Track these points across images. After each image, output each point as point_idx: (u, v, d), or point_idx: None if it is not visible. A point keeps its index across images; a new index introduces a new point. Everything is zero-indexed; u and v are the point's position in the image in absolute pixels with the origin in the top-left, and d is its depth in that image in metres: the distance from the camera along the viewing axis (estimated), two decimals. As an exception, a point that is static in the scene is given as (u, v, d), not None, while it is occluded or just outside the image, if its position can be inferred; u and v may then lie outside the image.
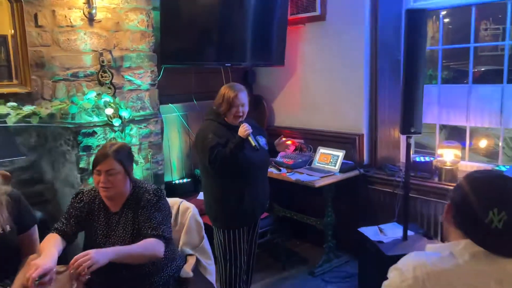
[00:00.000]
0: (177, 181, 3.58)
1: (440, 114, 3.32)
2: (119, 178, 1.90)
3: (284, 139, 2.71)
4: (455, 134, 4.11)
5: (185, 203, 2.34)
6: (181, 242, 2.27)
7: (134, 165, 2.90)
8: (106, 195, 1.93)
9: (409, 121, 2.59)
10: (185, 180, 3.59)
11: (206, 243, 2.31)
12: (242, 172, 2.50)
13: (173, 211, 2.33)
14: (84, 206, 1.98)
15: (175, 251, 2.13)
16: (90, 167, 2.03)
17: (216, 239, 2.65)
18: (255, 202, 2.59)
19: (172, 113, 3.61)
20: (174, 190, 3.54)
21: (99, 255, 1.63)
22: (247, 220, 2.63)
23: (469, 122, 3.18)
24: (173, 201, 2.36)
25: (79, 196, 2.01)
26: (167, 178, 3.59)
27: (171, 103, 3.59)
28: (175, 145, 3.65)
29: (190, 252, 2.26)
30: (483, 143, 3.62)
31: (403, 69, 2.53)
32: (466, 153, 3.23)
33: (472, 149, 3.24)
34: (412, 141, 2.68)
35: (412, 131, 2.60)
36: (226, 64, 3.61)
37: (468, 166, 3.20)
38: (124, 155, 1.95)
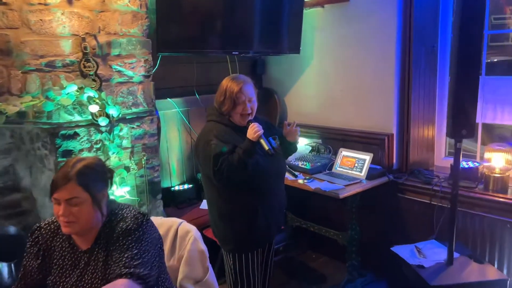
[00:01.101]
0: (176, 188, 3.12)
1: (485, 111, 2.83)
2: (84, 210, 1.43)
3: (292, 124, 2.19)
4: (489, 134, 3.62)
5: (185, 225, 1.88)
6: (180, 275, 1.81)
7: (125, 173, 2.47)
8: (69, 232, 1.45)
9: (460, 122, 2.10)
10: (186, 186, 3.12)
11: (211, 275, 1.85)
12: (254, 183, 2.03)
13: (170, 235, 1.88)
14: (40, 251, 1.51)
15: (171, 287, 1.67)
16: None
17: (226, 263, 2.20)
18: (271, 219, 2.13)
19: (171, 109, 3.13)
20: (173, 197, 3.08)
21: None
22: (261, 241, 2.18)
23: (521, 121, 2.70)
24: (169, 222, 1.91)
25: (35, 235, 1.54)
26: (165, 184, 3.13)
27: (170, 98, 3.11)
28: (174, 146, 3.17)
29: (192, 287, 1.80)
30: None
31: (455, 56, 2.04)
32: (516, 157, 2.74)
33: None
34: (461, 145, 2.20)
35: (464, 134, 2.12)
36: (233, 53, 3.12)
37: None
38: (92, 177, 1.46)
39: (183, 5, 2.76)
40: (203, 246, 1.83)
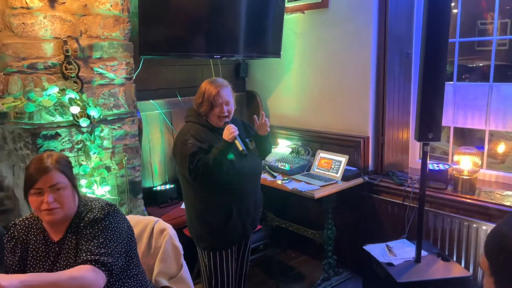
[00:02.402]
0: (158, 188, 3.18)
1: (456, 116, 2.94)
2: (67, 194, 1.53)
3: (261, 117, 2.22)
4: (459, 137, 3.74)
5: (160, 223, 1.95)
6: (155, 271, 1.88)
7: (105, 172, 2.53)
8: (53, 219, 1.51)
9: (427, 125, 2.20)
10: (167, 186, 3.19)
11: (185, 272, 1.92)
12: (229, 183, 2.11)
13: (146, 233, 1.95)
14: (17, 245, 1.57)
15: (146, 282, 1.74)
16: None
17: (201, 260, 2.27)
18: (246, 218, 2.21)
19: (154, 111, 3.19)
20: (155, 197, 3.14)
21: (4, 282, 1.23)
22: (236, 239, 2.25)
23: (489, 125, 2.81)
24: (146, 221, 1.97)
25: (11, 231, 1.61)
26: (147, 184, 3.19)
27: (152, 99, 3.18)
28: (156, 147, 3.24)
29: (166, 283, 1.87)
30: (501, 148, 3.26)
31: (423, 63, 2.14)
32: (485, 160, 2.86)
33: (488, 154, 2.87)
34: (428, 148, 2.30)
35: (430, 137, 2.21)
36: (216, 56, 3.19)
37: (487, 175, 2.84)
38: (67, 166, 1.58)
39: (166, 9, 2.82)
40: (177, 243, 1.91)
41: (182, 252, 1.92)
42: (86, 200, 1.64)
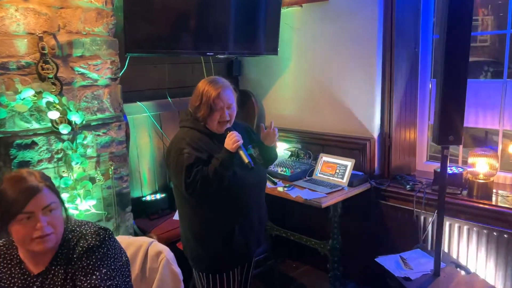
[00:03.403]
0: (148, 197, 2.92)
1: (467, 115, 2.76)
2: (59, 216, 1.33)
3: (269, 126, 2.00)
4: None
5: (155, 246, 1.70)
6: (150, 302, 1.63)
7: (90, 185, 2.27)
8: (46, 247, 1.30)
9: (447, 127, 2.01)
10: (158, 196, 2.93)
11: (185, 301, 1.68)
12: (231, 198, 1.87)
13: (140, 257, 1.70)
14: None
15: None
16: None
17: (198, 284, 2.02)
18: (250, 235, 1.97)
19: (142, 113, 2.93)
20: (144, 208, 2.88)
21: None
22: (239, 260, 2.01)
23: (503, 125, 2.65)
24: (139, 242, 1.73)
25: None
26: (136, 194, 2.92)
27: (140, 101, 2.91)
28: (145, 153, 2.97)
29: (164, 315, 1.63)
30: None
31: (443, 60, 1.93)
32: (499, 162, 2.69)
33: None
34: (448, 152, 2.10)
35: (451, 140, 2.02)
36: (207, 53, 2.94)
37: (501, 177, 2.67)
38: (52, 182, 1.37)
39: (153, 2, 2.56)
40: (176, 269, 1.66)
41: (181, 278, 1.67)
42: (72, 225, 1.41)
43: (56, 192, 1.35)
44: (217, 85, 1.84)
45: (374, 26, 2.73)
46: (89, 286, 1.29)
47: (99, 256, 1.33)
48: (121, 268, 1.39)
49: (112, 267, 1.35)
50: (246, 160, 1.75)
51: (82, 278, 1.30)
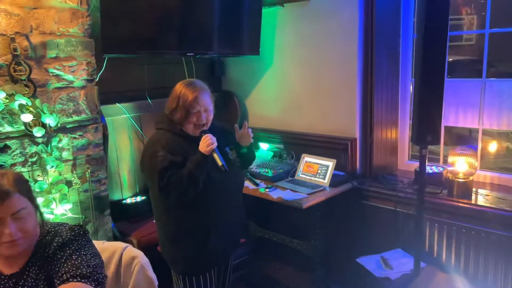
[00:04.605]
0: (128, 200, 2.88)
1: (447, 114, 2.78)
2: (31, 221, 1.30)
3: (243, 126, 2.00)
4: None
5: (130, 251, 1.66)
6: (125, 308, 1.60)
7: (66, 188, 2.22)
8: (15, 253, 1.29)
9: (425, 127, 2.01)
10: (138, 199, 2.89)
11: (161, 307, 1.65)
12: (206, 200, 1.84)
13: (114, 262, 1.66)
14: None
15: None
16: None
17: (176, 286, 2.00)
18: (225, 239, 1.95)
19: (121, 115, 2.88)
20: (125, 211, 2.84)
21: None
22: (215, 263, 1.99)
23: (483, 123, 2.66)
24: (112, 247, 1.69)
25: None
26: (116, 197, 2.88)
27: (119, 103, 2.86)
28: (125, 155, 2.93)
29: (138, 322, 1.60)
30: (493, 147, 3.14)
31: (420, 59, 1.94)
32: (478, 161, 2.71)
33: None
34: (426, 152, 2.11)
35: (429, 140, 2.02)
36: (188, 54, 2.91)
37: (481, 176, 2.69)
38: (27, 186, 1.34)
39: (131, 2, 2.52)
40: (151, 274, 1.63)
41: (156, 283, 1.64)
42: (48, 227, 1.40)
43: (30, 196, 1.32)
44: (194, 88, 1.82)
45: (355, 26, 2.73)
46: (64, 271, 1.27)
47: (72, 248, 1.33)
48: (95, 258, 1.35)
49: (85, 256, 1.32)
50: (219, 162, 1.73)
51: (56, 269, 1.30)
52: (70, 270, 1.27)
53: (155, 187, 1.74)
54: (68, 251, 1.32)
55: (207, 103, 1.83)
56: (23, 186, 1.31)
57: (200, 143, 1.76)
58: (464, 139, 3.35)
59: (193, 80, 1.91)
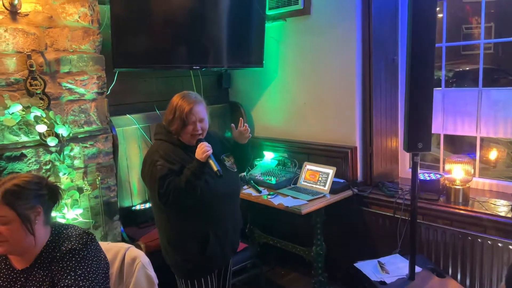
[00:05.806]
0: (138, 207, 3.01)
1: (446, 123, 2.84)
2: (13, 229, 1.40)
3: (240, 123, 2.11)
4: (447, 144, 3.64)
5: (132, 251, 1.78)
6: (126, 304, 1.72)
7: (77, 194, 2.37)
8: (1, 251, 1.44)
9: (416, 135, 2.08)
10: (147, 205, 3.02)
11: (160, 304, 1.76)
12: (204, 206, 1.95)
13: (117, 261, 1.78)
14: None
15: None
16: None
17: (179, 289, 2.11)
18: (224, 242, 2.04)
19: (131, 126, 3.04)
20: (134, 217, 2.97)
21: None
22: (215, 266, 2.09)
23: (480, 131, 2.71)
24: (116, 248, 1.81)
25: None
26: (126, 203, 3.02)
27: (129, 114, 3.02)
28: (135, 164, 3.07)
29: (139, 318, 1.71)
30: (493, 154, 3.16)
31: (409, 69, 2.02)
32: (477, 168, 2.75)
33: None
34: (418, 159, 2.18)
35: (420, 147, 2.09)
36: (195, 67, 3.06)
37: (480, 183, 2.73)
38: (22, 195, 1.41)
39: (140, 19, 2.68)
40: (151, 273, 1.75)
41: (156, 281, 1.76)
42: (60, 228, 1.55)
43: (14, 207, 1.38)
44: (190, 100, 1.94)
45: (353, 38, 2.83)
46: (63, 285, 1.40)
47: (78, 259, 1.45)
48: (97, 270, 1.49)
49: (89, 269, 1.46)
50: (215, 168, 1.83)
51: (60, 277, 1.42)
52: (72, 286, 1.40)
53: (155, 194, 1.85)
54: (74, 262, 1.44)
55: (202, 114, 1.95)
56: (11, 197, 1.39)
57: (196, 150, 1.88)
58: (473, 148, 3.36)
59: (189, 92, 2.03)
